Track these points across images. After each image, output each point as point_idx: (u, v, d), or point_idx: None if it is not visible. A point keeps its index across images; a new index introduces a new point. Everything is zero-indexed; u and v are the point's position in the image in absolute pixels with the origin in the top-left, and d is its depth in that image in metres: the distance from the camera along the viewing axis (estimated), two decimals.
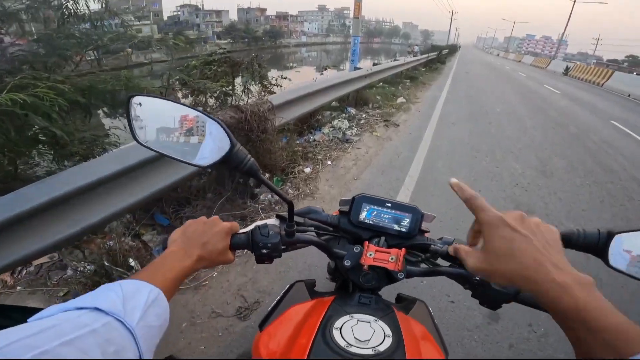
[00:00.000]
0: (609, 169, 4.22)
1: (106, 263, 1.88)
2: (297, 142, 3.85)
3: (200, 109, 0.61)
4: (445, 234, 0.71)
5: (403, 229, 0.68)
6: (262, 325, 0.65)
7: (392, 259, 0.62)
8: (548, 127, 6.15)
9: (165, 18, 62.67)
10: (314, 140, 4.01)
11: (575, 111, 8.26)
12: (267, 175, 3.01)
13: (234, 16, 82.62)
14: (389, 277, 0.64)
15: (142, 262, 2.03)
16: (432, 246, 0.66)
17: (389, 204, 0.68)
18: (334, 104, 5.05)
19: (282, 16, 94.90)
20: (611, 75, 16.26)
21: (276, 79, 3.72)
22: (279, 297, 0.71)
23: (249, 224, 0.66)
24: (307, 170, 3.28)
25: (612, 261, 0.50)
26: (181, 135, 0.55)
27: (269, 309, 0.69)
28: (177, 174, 2.03)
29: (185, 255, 0.52)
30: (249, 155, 0.53)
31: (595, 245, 0.52)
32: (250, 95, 3.57)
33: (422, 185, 3.27)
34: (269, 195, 2.82)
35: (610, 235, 0.51)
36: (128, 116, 0.56)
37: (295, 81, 3.84)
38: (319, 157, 3.60)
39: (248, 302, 1.83)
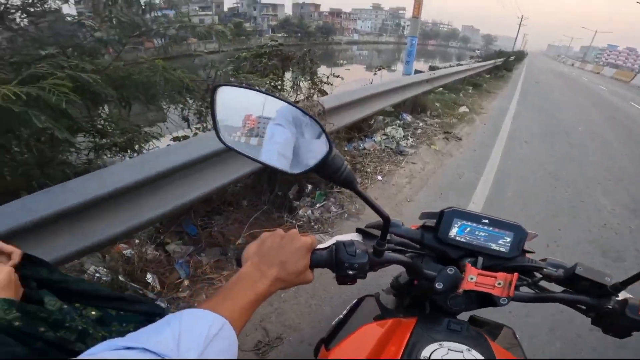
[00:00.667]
0: None
1: (121, 278, 1.67)
2: (345, 149, 3.47)
3: (298, 104, 0.48)
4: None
5: (502, 249, 0.61)
6: (328, 343, 0.60)
7: (499, 284, 0.55)
8: None
9: (226, 9, 65.42)
10: (364, 148, 3.60)
11: None
12: (309, 187, 2.67)
13: (288, 10, 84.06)
14: (482, 301, 0.58)
15: (161, 277, 1.80)
16: (545, 269, 0.60)
17: (486, 220, 0.61)
18: (387, 108, 4.58)
19: (336, 13, 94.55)
20: None
21: (327, 77, 3.40)
22: (346, 312, 0.67)
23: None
24: None
25: None
26: (268, 133, 0.49)
27: (334, 324, 0.65)
28: (214, 182, 1.78)
29: (261, 277, 0.46)
30: (346, 163, 0.47)
31: None
32: (299, 93, 3.27)
33: None
34: (309, 211, 2.50)
35: None
36: (212, 111, 0.51)
37: (346, 79, 3.51)
38: (369, 169, 3.20)
39: (270, 336, 1.59)
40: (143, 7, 2.21)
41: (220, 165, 1.82)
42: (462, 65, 9.54)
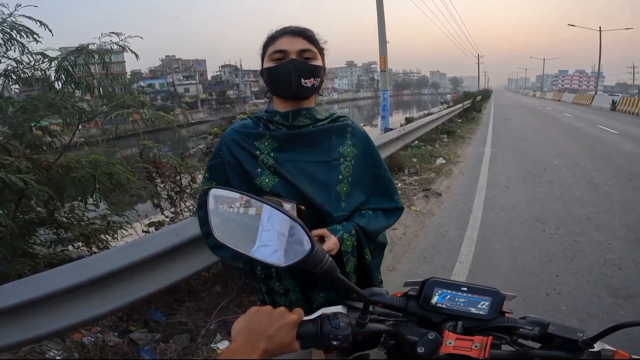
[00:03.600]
0: None
1: None
2: None
3: (284, 209, 0.57)
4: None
5: (482, 312, 0.65)
6: None
7: (475, 346, 0.59)
8: (623, 180, 5.14)
9: (209, 78, 65.93)
10: None
11: None
12: None
13: None
14: None
15: None
16: (521, 329, 0.63)
17: (465, 288, 0.65)
18: None
19: None
20: None
21: None
22: None
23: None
24: None
25: None
26: (259, 232, 0.58)
27: None
28: (177, 274, 1.72)
29: (250, 350, 0.50)
30: (327, 255, 0.55)
31: None
32: None
33: (477, 275, 2.68)
34: None
35: None
36: (205, 211, 0.61)
37: None
38: None
39: None
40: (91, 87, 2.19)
41: (183, 258, 1.75)
42: (433, 114, 9.91)
